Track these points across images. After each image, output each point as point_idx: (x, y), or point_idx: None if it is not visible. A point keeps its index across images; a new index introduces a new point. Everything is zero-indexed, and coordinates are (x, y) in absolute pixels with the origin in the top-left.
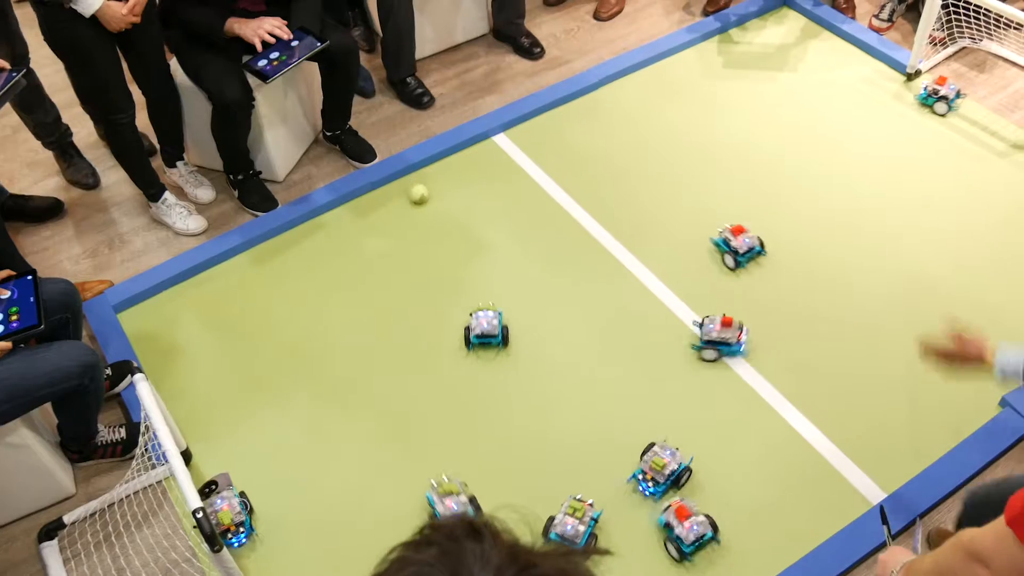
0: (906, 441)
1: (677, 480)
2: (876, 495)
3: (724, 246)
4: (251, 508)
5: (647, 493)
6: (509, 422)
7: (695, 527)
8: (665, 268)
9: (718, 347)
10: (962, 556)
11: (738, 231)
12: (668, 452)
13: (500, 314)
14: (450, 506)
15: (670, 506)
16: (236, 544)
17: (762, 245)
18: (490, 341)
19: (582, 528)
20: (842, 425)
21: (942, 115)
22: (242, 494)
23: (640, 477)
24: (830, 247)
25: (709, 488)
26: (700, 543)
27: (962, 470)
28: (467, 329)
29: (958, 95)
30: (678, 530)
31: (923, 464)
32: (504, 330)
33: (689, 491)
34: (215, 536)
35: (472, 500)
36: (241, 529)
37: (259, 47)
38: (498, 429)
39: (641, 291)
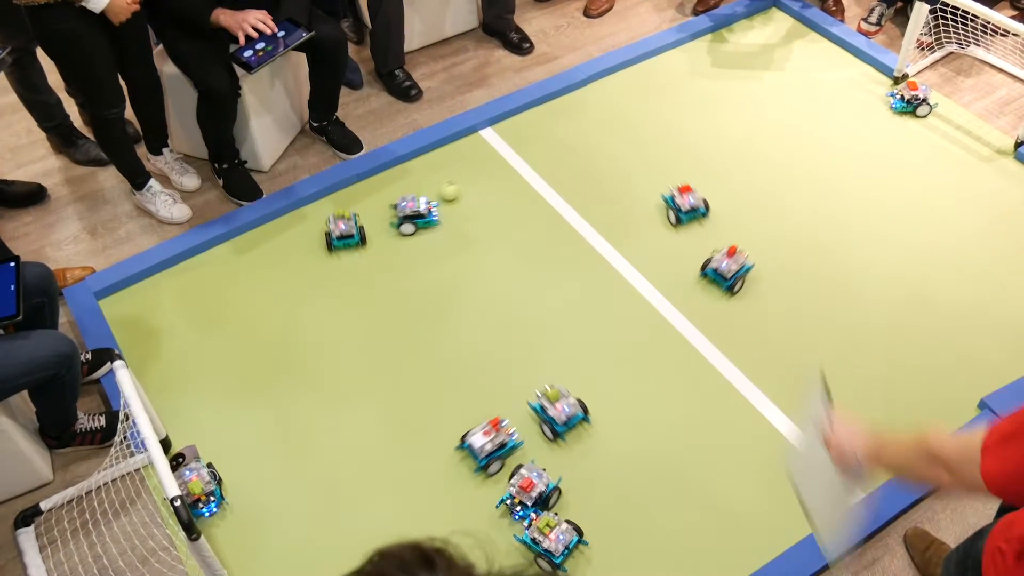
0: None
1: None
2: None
3: (714, 275)
4: (220, 479)
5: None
6: (489, 402)
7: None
8: (649, 265)
9: (497, 455)
10: (927, 458)
11: (732, 251)
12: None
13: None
14: (561, 409)
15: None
16: (207, 513)
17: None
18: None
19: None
20: None
21: (924, 116)
22: (210, 465)
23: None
24: (814, 247)
25: (693, 484)
26: (567, 550)
27: None
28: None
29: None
30: (545, 543)
31: None
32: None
33: (674, 489)
34: (192, 525)
35: (580, 402)
36: (212, 498)
37: (242, 40)
38: (477, 407)
39: (624, 287)
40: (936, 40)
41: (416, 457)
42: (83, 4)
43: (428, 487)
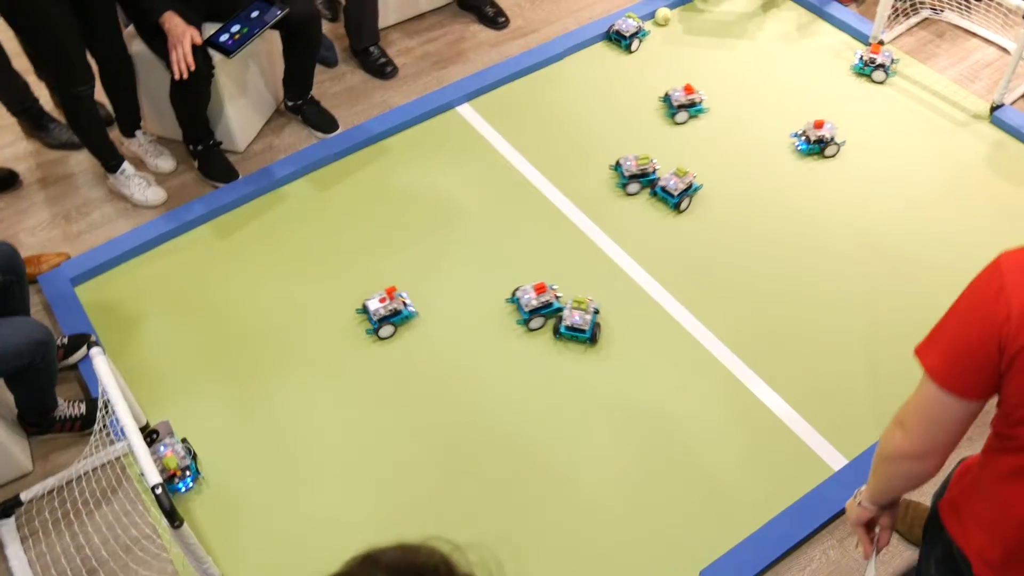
0: (867, 407)
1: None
2: (838, 461)
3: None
4: (195, 454)
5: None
6: (473, 387)
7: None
8: (630, 239)
9: (542, 313)
10: (888, 428)
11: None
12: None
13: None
14: (574, 316)
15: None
16: (183, 488)
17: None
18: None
19: (588, 317)
20: (802, 390)
21: (880, 83)
22: (184, 440)
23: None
24: (788, 212)
25: (669, 454)
26: None
27: None
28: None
29: (893, 61)
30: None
31: (884, 428)
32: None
33: (650, 452)
34: (175, 512)
35: (596, 311)
36: (187, 473)
37: (172, 62)
38: (464, 410)
39: (605, 261)
40: (911, 6)
41: (398, 437)
42: None
43: (410, 466)
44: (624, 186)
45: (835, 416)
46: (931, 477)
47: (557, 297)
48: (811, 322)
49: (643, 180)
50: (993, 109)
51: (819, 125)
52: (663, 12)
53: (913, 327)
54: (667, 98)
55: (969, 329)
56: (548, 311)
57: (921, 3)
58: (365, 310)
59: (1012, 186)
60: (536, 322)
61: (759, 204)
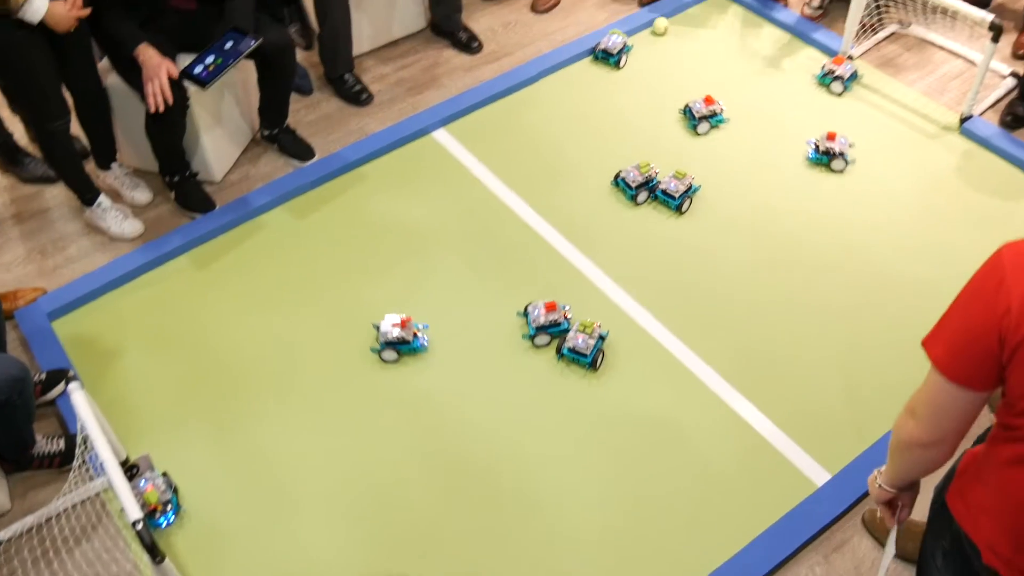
0: (848, 420)
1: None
2: (821, 476)
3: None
4: (175, 487)
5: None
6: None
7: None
8: (608, 259)
9: (549, 331)
10: (901, 416)
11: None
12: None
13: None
14: (578, 339)
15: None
16: (164, 523)
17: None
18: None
19: (591, 342)
20: (783, 406)
21: (838, 94)
22: (165, 474)
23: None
24: (765, 227)
25: (654, 476)
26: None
27: None
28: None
29: (854, 76)
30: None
31: (866, 443)
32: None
33: (636, 473)
34: (156, 547)
35: (602, 337)
36: (169, 507)
37: (147, 95)
38: (446, 440)
39: (582, 281)
40: (879, 20)
41: (383, 467)
42: (20, 17)
43: (396, 496)
44: (633, 197)
45: (816, 431)
46: (945, 462)
47: (567, 318)
48: (789, 336)
49: (648, 186)
50: (962, 120)
51: (831, 137)
52: (661, 22)
53: (893, 339)
54: (687, 110)
55: (971, 321)
56: (555, 330)
57: (889, 18)
58: (378, 328)
59: (984, 196)
60: (541, 339)
61: (740, 222)
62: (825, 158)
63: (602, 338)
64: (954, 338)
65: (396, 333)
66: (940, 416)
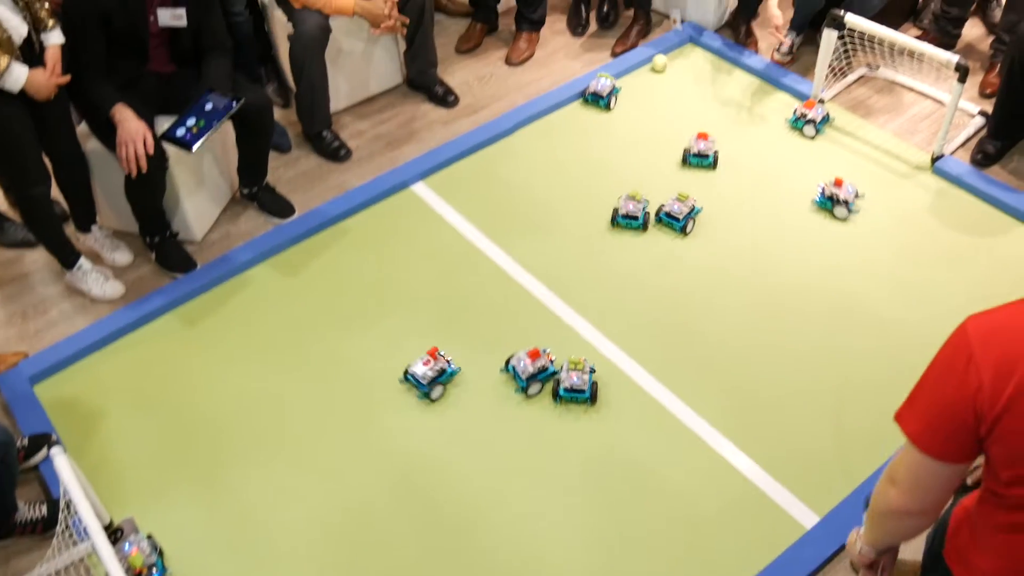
0: (834, 461)
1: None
2: (809, 519)
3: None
4: (161, 550)
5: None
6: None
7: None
8: (593, 308)
9: (539, 379)
10: (882, 482)
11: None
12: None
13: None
14: (572, 377)
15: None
16: None
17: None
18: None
19: (586, 377)
20: (768, 448)
21: (811, 137)
22: (150, 536)
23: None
24: (747, 271)
25: (641, 521)
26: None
27: None
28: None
29: (826, 119)
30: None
31: (854, 483)
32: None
33: (621, 520)
34: None
35: (592, 370)
36: (154, 570)
37: (121, 159)
38: (434, 486)
39: (564, 329)
40: (847, 64)
41: (374, 523)
42: (0, 87)
43: (388, 554)
44: (524, 389)
45: (803, 472)
46: (927, 528)
47: (551, 361)
48: (771, 378)
49: (541, 377)
50: (934, 160)
51: (838, 183)
52: (660, 60)
53: (876, 381)
54: (687, 155)
55: (943, 397)
56: (544, 376)
57: (857, 62)
58: (411, 377)
59: (958, 234)
60: (534, 388)
61: (722, 266)
62: (829, 203)
63: (592, 370)
64: (928, 414)
65: (435, 367)
66: (922, 488)
